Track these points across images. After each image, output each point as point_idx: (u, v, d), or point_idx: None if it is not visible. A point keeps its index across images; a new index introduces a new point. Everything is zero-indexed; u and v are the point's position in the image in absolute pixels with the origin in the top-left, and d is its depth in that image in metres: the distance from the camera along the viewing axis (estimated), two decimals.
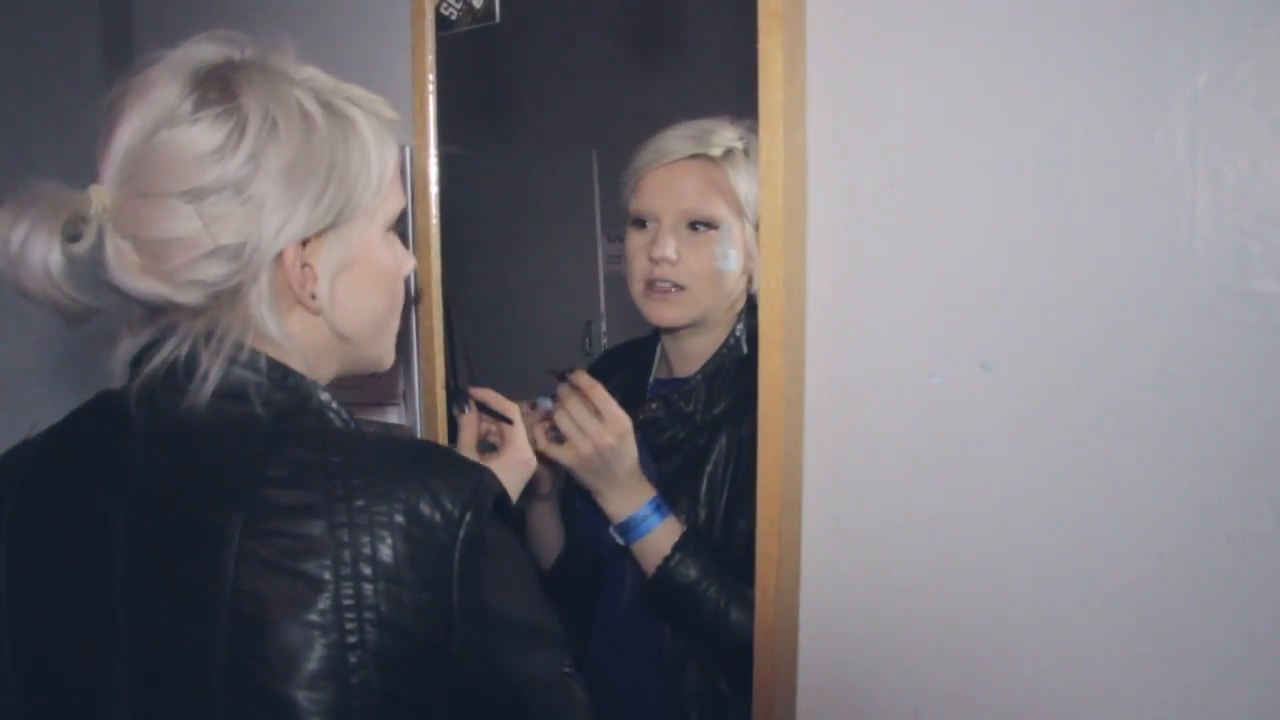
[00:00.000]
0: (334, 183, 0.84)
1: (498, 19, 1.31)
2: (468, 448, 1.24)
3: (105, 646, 0.79)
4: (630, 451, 1.24)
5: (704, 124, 1.31)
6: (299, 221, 0.82)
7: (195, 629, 0.76)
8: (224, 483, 0.79)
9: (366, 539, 0.76)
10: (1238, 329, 0.90)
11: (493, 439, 1.27)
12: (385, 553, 0.76)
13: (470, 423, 1.26)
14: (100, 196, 0.81)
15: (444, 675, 0.79)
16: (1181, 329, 0.93)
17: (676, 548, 1.22)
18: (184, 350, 0.83)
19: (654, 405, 1.34)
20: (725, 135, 1.29)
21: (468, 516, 0.79)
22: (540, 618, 0.89)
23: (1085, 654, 1.01)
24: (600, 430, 1.22)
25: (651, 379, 1.46)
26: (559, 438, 1.26)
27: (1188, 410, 0.93)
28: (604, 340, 1.70)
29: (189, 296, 0.82)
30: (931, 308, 1.07)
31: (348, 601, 0.75)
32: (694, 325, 1.35)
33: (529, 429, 1.23)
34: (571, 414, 1.24)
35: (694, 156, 1.30)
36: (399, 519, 0.77)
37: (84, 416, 0.90)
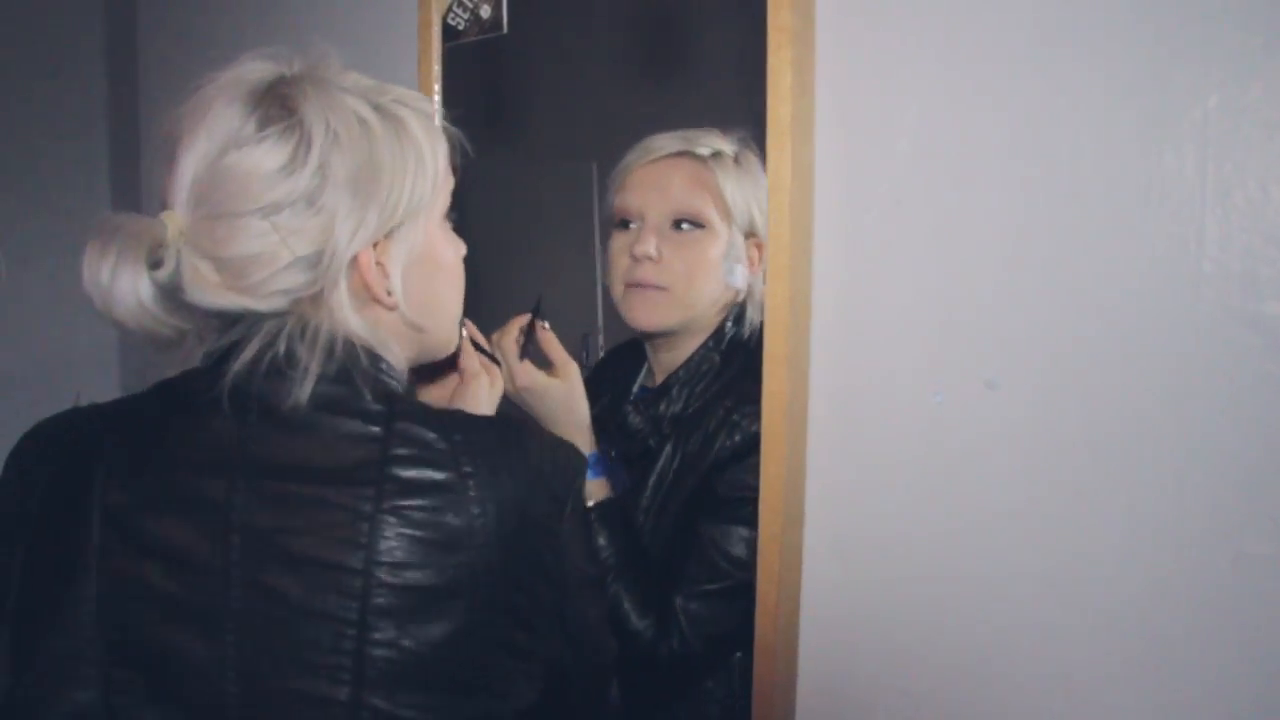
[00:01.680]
0: (396, 183, 0.86)
1: (505, 29, 1.31)
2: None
3: (214, 612, 0.82)
4: (554, 406, 1.25)
5: (693, 130, 1.31)
6: (371, 225, 0.85)
7: (324, 596, 0.81)
8: (349, 461, 0.83)
9: (493, 510, 0.84)
10: (1245, 351, 0.90)
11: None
12: (507, 523, 0.84)
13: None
14: (174, 221, 0.83)
15: (527, 621, 0.88)
16: (1189, 351, 0.93)
17: (592, 509, 1.22)
18: (281, 347, 0.85)
19: (630, 414, 1.34)
20: (713, 140, 1.29)
21: (571, 495, 0.90)
22: (598, 571, 1.03)
23: (1088, 673, 1.00)
24: (508, 375, 1.24)
25: (637, 386, 1.45)
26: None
27: (1194, 431, 0.93)
28: (601, 352, 1.69)
29: (273, 304, 0.85)
30: (937, 326, 1.06)
31: (477, 565, 0.83)
32: (675, 331, 1.33)
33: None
34: (502, 343, 1.26)
35: (681, 154, 1.29)
36: (519, 494, 0.85)
37: (164, 401, 0.90)
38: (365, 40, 1.52)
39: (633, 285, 1.30)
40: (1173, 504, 0.94)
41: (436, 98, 1.37)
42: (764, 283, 1.29)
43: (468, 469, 0.84)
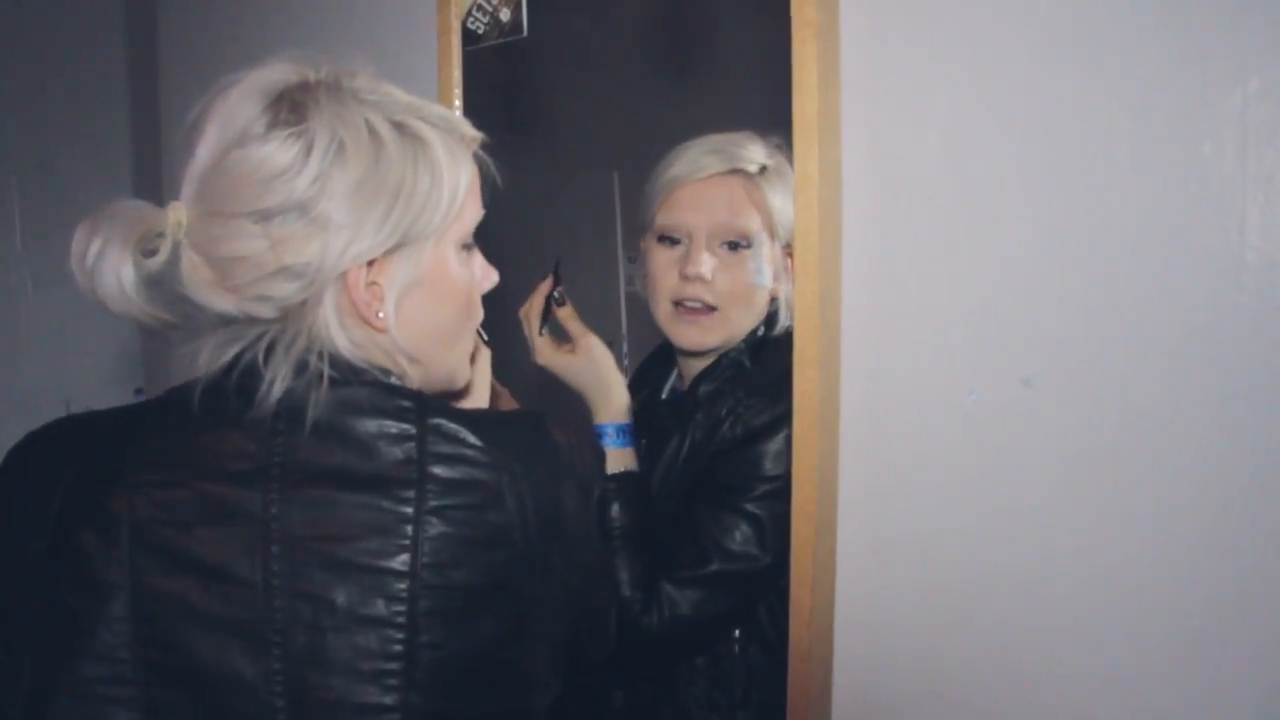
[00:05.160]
0: (400, 205, 0.84)
1: (525, 32, 1.29)
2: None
3: (255, 625, 0.80)
4: (579, 379, 1.29)
5: (731, 137, 1.29)
6: (363, 243, 0.83)
7: (372, 601, 0.80)
8: (388, 462, 0.82)
9: (531, 505, 0.84)
10: None
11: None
12: (543, 517, 0.85)
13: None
14: (177, 213, 0.83)
15: (562, 612, 0.89)
16: (1231, 343, 0.91)
17: (610, 478, 1.22)
18: (260, 353, 0.84)
19: (662, 416, 1.34)
20: (756, 151, 1.27)
21: (596, 484, 0.93)
22: (607, 558, 1.08)
23: (1129, 673, 0.98)
24: (531, 346, 1.30)
25: (667, 388, 1.45)
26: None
27: (1238, 426, 0.91)
28: (625, 361, 1.68)
29: (260, 310, 0.84)
30: (971, 323, 1.04)
31: (519, 560, 0.84)
32: (720, 348, 1.32)
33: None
34: (528, 321, 1.33)
35: (731, 172, 1.28)
36: (552, 488, 0.87)
37: (175, 410, 0.87)
38: (384, 47, 1.51)
39: (681, 307, 1.30)
40: (1217, 500, 0.92)
41: (458, 103, 1.36)
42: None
43: (503, 466, 0.84)
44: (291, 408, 0.83)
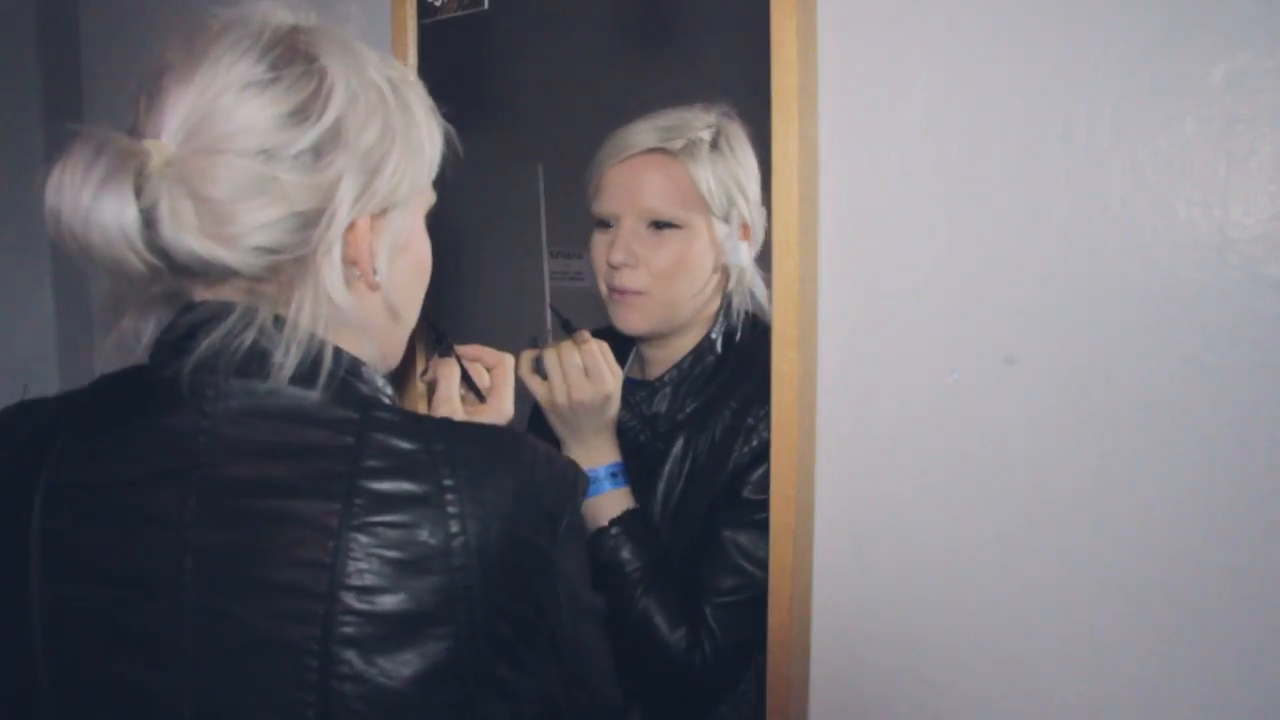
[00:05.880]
0: (406, 158, 0.81)
1: (486, 4, 1.25)
2: (446, 400, 1.10)
3: (166, 641, 0.73)
4: (604, 414, 1.22)
5: (673, 114, 1.27)
6: (377, 193, 0.79)
7: (285, 624, 0.73)
8: (317, 473, 0.75)
9: (475, 527, 0.75)
10: (1272, 317, 0.88)
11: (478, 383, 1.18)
12: (490, 541, 0.75)
13: (451, 373, 1.12)
14: (161, 151, 0.73)
15: (513, 655, 0.79)
16: (1215, 319, 0.91)
17: (615, 521, 1.19)
18: (248, 339, 0.76)
19: (635, 430, 1.31)
20: (691, 126, 1.25)
21: (566, 512, 0.81)
22: (601, 603, 0.90)
23: (1116, 661, 0.98)
24: (582, 385, 1.20)
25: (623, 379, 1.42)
26: (543, 372, 1.23)
27: (1222, 403, 0.91)
28: None
29: (249, 262, 0.75)
30: (952, 301, 1.03)
31: (456, 588, 0.74)
32: (663, 330, 1.30)
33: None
34: (561, 358, 1.21)
35: (652, 151, 1.25)
36: (505, 509, 0.77)
37: (115, 393, 0.81)
38: (335, 16, 1.44)
39: (615, 290, 1.28)
40: (1203, 478, 0.93)
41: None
42: (745, 262, 1.27)
43: (448, 481, 0.75)
44: (226, 404, 0.76)
